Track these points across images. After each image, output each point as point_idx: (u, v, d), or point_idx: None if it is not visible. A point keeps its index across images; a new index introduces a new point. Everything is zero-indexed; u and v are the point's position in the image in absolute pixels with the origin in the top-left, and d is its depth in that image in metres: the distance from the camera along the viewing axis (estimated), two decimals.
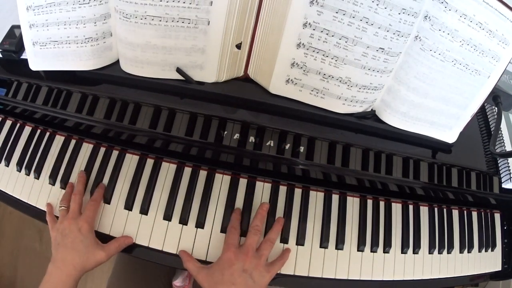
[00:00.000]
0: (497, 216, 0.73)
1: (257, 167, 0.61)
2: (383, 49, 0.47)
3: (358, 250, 0.60)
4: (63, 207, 0.57)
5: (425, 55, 0.48)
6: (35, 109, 0.61)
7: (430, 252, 0.64)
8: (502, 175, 0.63)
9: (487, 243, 0.69)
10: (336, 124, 0.55)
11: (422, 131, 0.56)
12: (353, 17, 0.45)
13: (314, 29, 0.46)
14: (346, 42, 0.46)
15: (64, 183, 0.61)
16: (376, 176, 0.58)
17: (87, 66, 0.54)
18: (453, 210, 0.68)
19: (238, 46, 0.51)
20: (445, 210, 0.68)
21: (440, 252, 0.65)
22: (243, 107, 0.54)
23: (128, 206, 0.59)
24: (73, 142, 0.64)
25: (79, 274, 0.53)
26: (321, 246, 0.59)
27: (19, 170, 0.64)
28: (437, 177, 0.59)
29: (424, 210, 0.66)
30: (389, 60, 0.49)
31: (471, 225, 0.69)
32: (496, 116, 0.64)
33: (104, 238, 0.56)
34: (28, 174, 0.64)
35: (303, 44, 0.47)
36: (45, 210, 0.60)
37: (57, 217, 0.58)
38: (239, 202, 0.59)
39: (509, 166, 0.63)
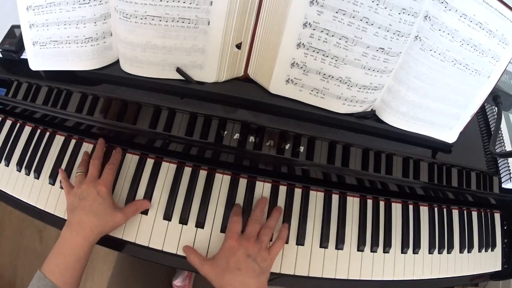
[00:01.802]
0: (497, 216, 0.73)
1: (257, 167, 0.61)
2: (383, 49, 0.47)
3: (358, 250, 0.60)
4: (80, 172, 0.58)
5: (425, 55, 0.48)
6: (35, 109, 0.62)
7: (430, 252, 0.64)
8: (502, 175, 0.63)
9: (487, 243, 0.69)
10: (336, 124, 0.55)
11: (422, 131, 0.56)
12: (353, 17, 0.45)
13: (314, 29, 0.46)
14: (346, 42, 0.46)
15: None
16: (376, 176, 0.58)
17: (87, 66, 0.54)
18: (453, 210, 0.68)
19: (238, 46, 0.51)
20: (445, 210, 0.68)
21: (440, 252, 0.65)
22: (243, 107, 0.54)
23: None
24: (73, 142, 0.64)
25: (96, 237, 0.52)
26: (321, 246, 0.59)
27: (19, 170, 0.64)
28: (437, 177, 0.59)
29: (424, 210, 0.66)
30: (389, 60, 0.49)
31: (471, 225, 0.69)
32: (496, 116, 0.64)
33: (104, 238, 0.56)
34: (28, 174, 0.64)
35: (303, 44, 0.47)
36: (46, 210, 0.60)
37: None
38: (239, 202, 0.59)
39: (509, 166, 0.63)
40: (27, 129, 0.67)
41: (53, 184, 0.62)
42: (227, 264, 0.49)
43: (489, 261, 0.69)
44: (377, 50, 0.47)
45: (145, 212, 0.59)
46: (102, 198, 0.54)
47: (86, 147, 0.64)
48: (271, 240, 0.56)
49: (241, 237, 0.53)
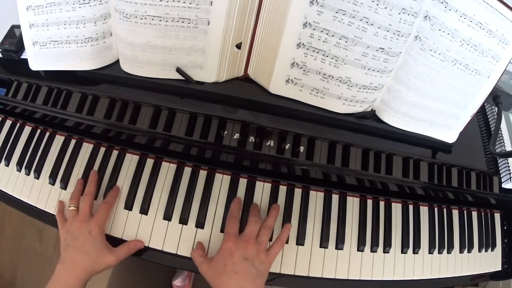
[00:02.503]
0: (497, 216, 0.73)
1: (257, 167, 0.61)
2: (383, 49, 0.47)
3: (358, 250, 0.60)
4: (72, 207, 0.57)
5: (425, 55, 0.48)
6: (35, 109, 0.61)
7: (430, 252, 0.64)
8: (502, 175, 0.63)
9: (487, 243, 0.69)
10: (336, 124, 0.55)
11: (422, 131, 0.56)
12: (353, 17, 0.45)
13: (314, 29, 0.46)
14: (346, 42, 0.46)
15: (64, 183, 0.61)
16: (376, 176, 0.58)
17: (87, 66, 0.54)
18: (453, 210, 0.68)
19: (238, 46, 0.51)
20: (445, 210, 0.68)
21: (440, 252, 0.65)
22: (243, 107, 0.54)
23: (128, 206, 0.59)
24: (73, 142, 0.64)
25: (87, 276, 0.52)
26: (321, 246, 0.59)
27: (19, 170, 0.64)
28: (437, 177, 0.59)
29: (424, 210, 0.66)
30: (389, 60, 0.49)
31: (471, 225, 0.69)
32: (496, 116, 0.64)
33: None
34: (28, 174, 0.64)
35: (303, 44, 0.47)
36: (46, 210, 0.60)
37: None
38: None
39: (509, 166, 0.63)
40: (27, 129, 0.67)
41: (53, 184, 0.62)
42: (224, 267, 0.49)
43: (489, 261, 0.69)
44: (377, 50, 0.47)
45: (145, 212, 0.59)
46: (93, 238, 0.53)
47: (86, 147, 0.64)
48: (270, 240, 0.56)
49: (239, 238, 0.52)
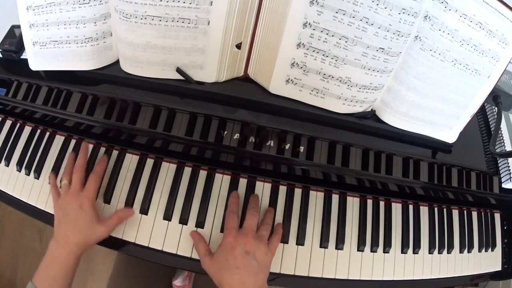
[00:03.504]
0: (497, 216, 0.73)
1: (257, 167, 0.61)
2: (383, 49, 0.47)
3: (358, 250, 0.60)
4: (64, 181, 0.58)
5: (425, 55, 0.48)
6: (35, 109, 0.61)
7: (430, 252, 0.64)
8: (502, 175, 0.63)
9: (487, 243, 0.69)
10: (336, 124, 0.55)
11: (422, 131, 0.56)
12: (353, 17, 0.45)
13: (314, 29, 0.46)
14: (346, 42, 0.46)
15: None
16: (376, 176, 0.58)
17: (87, 66, 0.54)
18: (453, 210, 0.68)
19: (238, 46, 0.51)
20: (445, 210, 0.68)
21: (440, 252, 0.65)
22: (243, 107, 0.54)
23: (128, 206, 0.59)
24: (73, 142, 0.64)
25: (81, 251, 0.53)
26: (321, 246, 0.59)
27: (19, 170, 0.64)
28: (437, 177, 0.59)
29: (424, 210, 0.66)
30: (389, 60, 0.49)
31: (471, 225, 0.69)
32: (496, 116, 0.64)
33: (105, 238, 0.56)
34: (28, 174, 0.64)
35: (303, 44, 0.47)
36: (45, 210, 0.60)
37: None
38: (240, 202, 0.59)
39: (509, 166, 0.63)
40: (27, 129, 0.67)
41: None
42: (225, 262, 0.49)
43: (489, 261, 0.69)
44: (377, 50, 0.47)
45: (145, 212, 0.59)
46: (84, 212, 0.54)
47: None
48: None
49: (239, 232, 0.52)
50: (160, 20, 0.47)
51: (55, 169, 0.62)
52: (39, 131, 0.66)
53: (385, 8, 0.44)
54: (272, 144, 0.54)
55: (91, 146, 0.63)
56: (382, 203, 0.64)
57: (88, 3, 0.49)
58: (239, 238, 0.51)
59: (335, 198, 0.62)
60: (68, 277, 0.53)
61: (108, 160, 0.61)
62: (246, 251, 0.50)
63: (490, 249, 0.70)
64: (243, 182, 0.61)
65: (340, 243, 0.59)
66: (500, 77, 0.52)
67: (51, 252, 0.53)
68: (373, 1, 0.44)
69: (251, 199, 0.58)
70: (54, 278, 0.52)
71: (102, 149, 0.63)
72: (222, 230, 0.58)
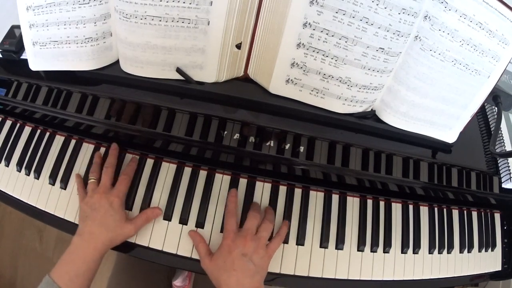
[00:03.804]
0: (497, 216, 0.73)
1: (257, 167, 0.61)
2: (383, 49, 0.47)
3: (358, 250, 0.60)
4: (93, 180, 0.57)
5: (425, 55, 0.48)
6: (35, 109, 0.61)
7: (430, 252, 0.64)
8: (502, 175, 0.63)
9: (487, 243, 0.69)
10: (336, 124, 0.55)
11: (422, 131, 0.56)
12: (353, 17, 0.45)
13: (314, 29, 0.46)
14: (346, 42, 0.46)
15: (64, 183, 0.61)
16: (376, 176, 0.58)
17: (87, 66, 0.54)
18: (453, 210, 0.68)
19: (238, 46, 0.51)
20: (445, 210, 0.68)
21: (440, 252, 0.65)
22: (243, 107, 0.54)
23: (128, 206, 0.59)
24: (73, 142, 0.64)
25: (106, 248, 0.53)
26: (321, 246, 0.59)
27: (19, 170, 0.64)
28: (437, 177, 0.59)
29: (424, 210, 0.66)
30: (389, 60, 0.48)
31: (471, 225, 0.69)
32: (496, 116, 0.64)
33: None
34: (28, 174, 0.64)
35: (303, 44, 0.47)
36: (46, 210, 0.60)
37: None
38: (239, 202, 0.59)
39: (509, 166, 0.63)
40: (27, 129, 0.67)
41: (53, 185, 0.62)
42: (223, 264, 0.50)
43: (489, 261, 0.69)
44: (377, 50, 0.47)
45: None
46: (114, 210, 0.53)
47: (86, 147, 0.64)
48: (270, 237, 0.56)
49: (238, 235, 0.52)
50: (160, 20, 0.47)
51: (55, 169, 0.62)
52: (39, 131, 0.66)
53: (385, 8, 0.44)
54: (272, 144, 0.54)
55: (91, 147, 0.63)
56: (382, 203, 0.64)
57: (88, 3, 0.49)
58: (237, 240, 0.51)
59: (335, 198, 0.62)
60: (90, 273, 0.51)
61: (137, 161, 0.61)
62: (243, 254, 0.50)
63: (490, 249, 0.70)
64: (243, 182, 0.61)
65: (340, 243, 0.59)
66: (500, 77, 0.52)
67: (74, 247, 0.52)
68: (373, 1, 0.44)
69: (252, 205, 0.59)
70: (75, 273, 0.50)
71: (102, 149, 0.63)
72: (222, 230, 0.58)
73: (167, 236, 0.57)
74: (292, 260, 0.58)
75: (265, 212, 0.58)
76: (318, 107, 0.53)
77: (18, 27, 0.58)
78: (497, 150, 0.63)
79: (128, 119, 0.55)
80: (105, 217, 0.53)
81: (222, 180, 0.61)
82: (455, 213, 0.69)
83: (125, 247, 0.57)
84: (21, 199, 0.63)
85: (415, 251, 0.63)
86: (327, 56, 0.48)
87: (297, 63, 0.49)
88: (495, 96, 0.58)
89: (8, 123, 0.69)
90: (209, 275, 0.52)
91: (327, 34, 0.46)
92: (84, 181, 0.60)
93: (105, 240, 0.52)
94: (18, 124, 0.68)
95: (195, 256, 0.56)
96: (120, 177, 0.57)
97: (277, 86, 0.52)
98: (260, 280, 0.51)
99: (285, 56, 0.49)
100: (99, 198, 0.54)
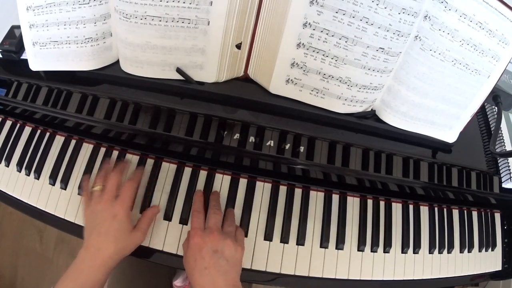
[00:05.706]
0: (497, 216, 0.73)
1: (257, 167, 0.61)
2: (383, 49, 0.47)
3: (358, 250, 0.60)
4: (98, 187, 0.55)
5: (425, 55, 0.48)
6: (35, 110, 0.61)
7: (430, 252, 0.64)
8: (502, 175, 0.63)
9: (487, 243, 0.69)
10: (336, 124, 0.55)
11: (422, 131, 0.56)
12: (353, 17, 0.45)
13: (314, 29, 0.46)
14: (346, 42, 0.46)
15: (64, 184, 0.61)
16: (376, 176, 0.58)
17: (87, 66, 0.54)
18: (453, 210, 0.68)
19: (238, 46, 0.51)
20: (445, 210, 0.68)
21: (440, 252, 0.65)
22: (243, 107, 0.54)
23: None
24: (73, 142, 0.64)
25: (115, 262, 0.51)
26: (321, 246, 0.59)
27: (19, 171, 0.64)
28: (437, 177, 0.59)
29: (424, 210, 0.66)
30: (389, 60, 0.49)
31: (471, 225, 0.69)
32: (496, 116, 0.64)
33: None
34: (28, 174, 0.64)
35: (303, 44, 0.47)
36: (46, 210, 0.60)
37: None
38: (239, 202, 0.60)
39: (509, 166, 0.63)
40: (27, 130, 0.67)
41: (53, 185, 0.62)
42: (194, 263, 0.48)
43: (490, 261, 0.69)
44: (377, 50, 0.47)
45: None
46: (118, 222, 0.51)
47: (86, 147, 0.64)
48: None
49: (205, 232, 0.51)
50: (160, 20, 0.47)
51: (55, 170, 0.62)
52: (39, 131, 0.66)
53: (385, 8, 0.44)
54: (272, 144, 0.54)
55: (91, 147, 0.63)
56: (382, 203, 0.64)
57: (88, 3, 0.49)
58: (205, 237, 0.50)
59: (335, 198, 0.62)
60: (97, 287, 0.50)
61: (143, 168, 0.60)
62: (214, 250, 0.49)
63: (490, 249, 0.70)
64: (243, 182, 0.61)
65: (340, 243, 0.59)
66: (500, 77, 0.53)
67: (80, 261, 0.49)
68: (373, 1, 0.44)
69: (211, 197, 0.58)
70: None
71: (102, 150, 0.63)
72: None
73: (167, 236, 0.57)
74: (292, 260, 0.58)
75: (224, 214, 0.57)
76: (318, 107, 0.53)
77: (18, 27, 0.58)
78: (497, 150, 0.63)
79: (128, 119, 0.55)
80: (110, 231, 0.51)
81: (222, 180, 0.61)
82: (455, 213, 0.69)
83: None
84: (21, 199, 0.62)
85: (415, 251, 0.63)
86: (327, 56, 0.48)
87: (297, 63, 0.49)
88: (495, 96, 0.58)
89: (8, 123, 0.69)
90: (187, 275, 0.50)
91: (327, 34, 0.46)
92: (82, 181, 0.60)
93: (113, 254, 0.50)
94: (18, 124, 0.68)
95: None
96: (125, 184, 0.55)
97: (277, 86, 0.52)
98: (235, 277, 0.49)
99: (285, 56, 0.49)
100: (102, 210, 0.52)
